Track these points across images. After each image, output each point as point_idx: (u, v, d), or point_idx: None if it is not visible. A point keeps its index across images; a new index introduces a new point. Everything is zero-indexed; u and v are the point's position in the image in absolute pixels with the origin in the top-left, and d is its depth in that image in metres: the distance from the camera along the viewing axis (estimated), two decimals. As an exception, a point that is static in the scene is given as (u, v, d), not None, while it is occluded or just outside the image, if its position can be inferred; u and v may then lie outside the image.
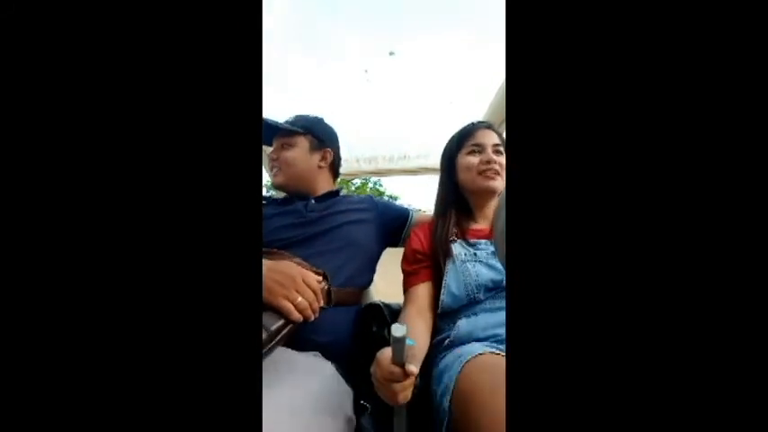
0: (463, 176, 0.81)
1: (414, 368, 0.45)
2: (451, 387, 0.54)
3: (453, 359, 0.60)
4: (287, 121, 0.90)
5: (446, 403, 0.54)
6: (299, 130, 0.88)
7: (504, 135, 0.86)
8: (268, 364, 0.55)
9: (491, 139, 0.81)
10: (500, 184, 0.78)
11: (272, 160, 0.89)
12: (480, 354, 0.56)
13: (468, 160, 0.80)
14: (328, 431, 0.53)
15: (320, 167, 0.89)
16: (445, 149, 0.88)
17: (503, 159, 0.79)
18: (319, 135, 0.90)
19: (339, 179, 1.00)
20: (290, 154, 0.86)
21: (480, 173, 0.78)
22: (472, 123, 0.86)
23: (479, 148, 0.80)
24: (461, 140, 0.83)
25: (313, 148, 0.88)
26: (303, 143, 0.88)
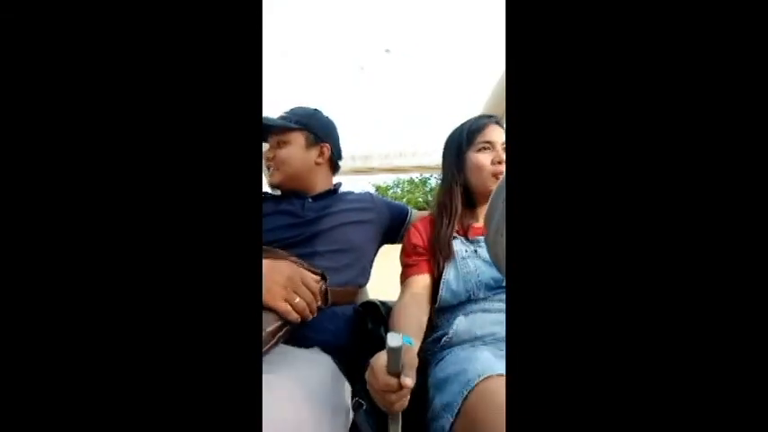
0: (473, 176, 0.77)
1: (410, 381, 0.44)
2: (455, 409, 0.51)
3: (456, 369, 0.57)
4: (281, 117, 0.85)
5: (447, 424, 0.52)
6: (293, 125, 0.83)
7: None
8: (267, 359, 0.55)
9: (501, 136, 0.77)
10: None
11: (267, 159, 0.85)
12: (488, 377, 0.51)
13: (480, 159, 0.76)
14: (327, 422, 0.53)
15: (318, 164, 0.85)
16: (451, 144, 0.82)
17: None
18: (315, 129, 0.85)
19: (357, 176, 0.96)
20: (284, 152, 0.82)
21: (494, 174, 0.74)
22: (481, 117, 0.82)
23: (490, 146, 0.76)
24: (471, 136, 0.78)
25: (309, 144, 0.84)
26: (298, 139, 0.83)
